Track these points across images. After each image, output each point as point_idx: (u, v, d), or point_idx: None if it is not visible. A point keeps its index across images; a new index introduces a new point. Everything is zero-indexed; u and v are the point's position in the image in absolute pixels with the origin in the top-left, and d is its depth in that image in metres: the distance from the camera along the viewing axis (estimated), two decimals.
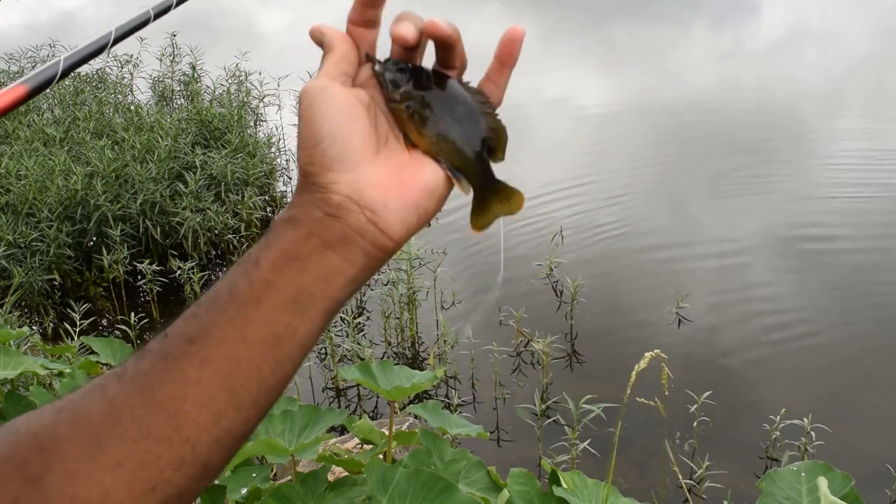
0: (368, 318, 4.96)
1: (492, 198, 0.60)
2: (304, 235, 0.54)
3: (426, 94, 0.57)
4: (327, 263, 0.54)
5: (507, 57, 0.59)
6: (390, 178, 0.56)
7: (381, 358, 4.40)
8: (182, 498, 0.51)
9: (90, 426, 0.50)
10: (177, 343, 0.52)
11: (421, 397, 4.04)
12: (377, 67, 0.58)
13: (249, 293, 0.52)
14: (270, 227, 0.56)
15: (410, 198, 0.56)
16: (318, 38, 0.60)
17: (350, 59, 0.58)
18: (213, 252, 5.85)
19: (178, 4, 0.92)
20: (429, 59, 0.61)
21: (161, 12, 0.93)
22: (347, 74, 0.58)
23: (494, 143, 0.59)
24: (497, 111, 0.59)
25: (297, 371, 0.55)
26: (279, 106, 7.48)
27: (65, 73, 0.76)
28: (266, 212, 6.27)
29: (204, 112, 6.69)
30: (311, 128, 0.55)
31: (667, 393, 1.83)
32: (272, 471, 2.94)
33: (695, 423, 3.73)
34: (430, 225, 6.02)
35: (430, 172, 0.57)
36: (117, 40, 0.84)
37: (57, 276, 5.30)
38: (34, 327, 4.96)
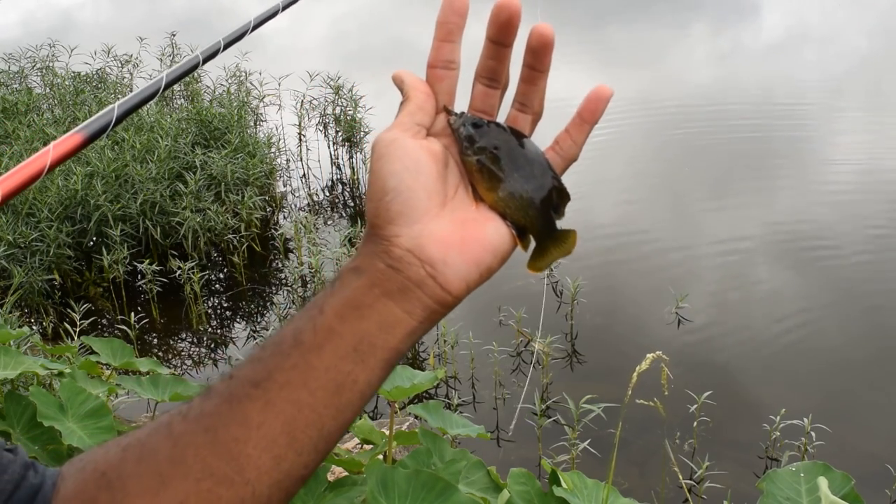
0: None
1: (550, 245, 0.61)
2: (367, 285, 0.55)
3: (498, 151, 0.58)
4: (388, 314, 0.55)
5: (590, 115, 0.60)
6: (453, 234, 0.56)
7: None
8: None
9: (155, 464, 0.51)
10: (241, 385, 0.53)
11: (421, 397, 4.04)
12: (452, 120, 0.59)
13: (313, 340, 0.54)
14: (337, 274, 0.57)
15: (472, 255, 0.56)
16: (398, 85, 0.60)
17: (426, 109, 0.59)
18: (213, 252, 5.85)
19: (225, 48, 0.94)
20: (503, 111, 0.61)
21: (209, 57, 0.95)
22: (421, 125, 0.58)
23: (558, 204, 0.60)
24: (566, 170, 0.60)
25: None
26: (279, 106, 7.49)
27: (119, 120, 0.77)
28: (266, 212, 6.27)
29: (204, 112, 6.69)
30: (378, 181, 0.56)
31: (667, 393, 1.84)
32: None
33: (695, 423, 3.73)
34: None
35: (493, 230, 0.58)
36: (169, 85, 0.85)
37: (57, 276, 5.30)
38: (34, 327, 4.96)
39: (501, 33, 0.57)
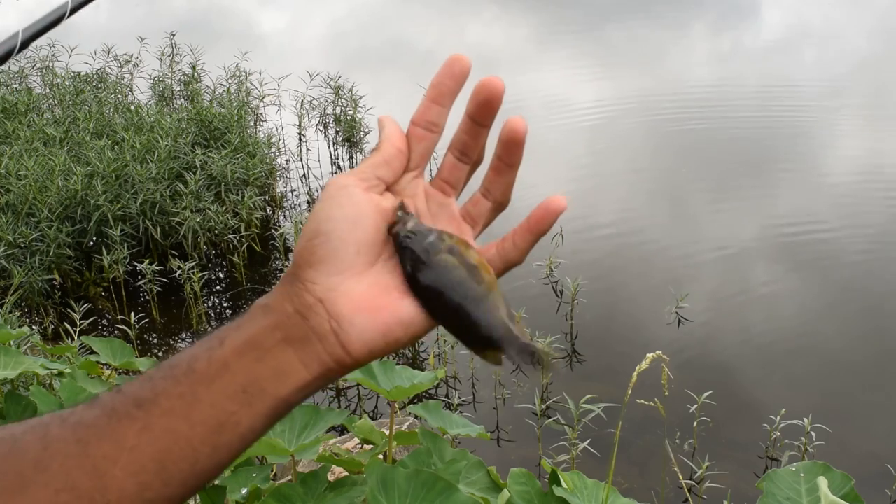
0: None
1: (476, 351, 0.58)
2: (271, 326, 0.53)
3: (434, 267, 0.55)
4: (285, 361, 0.53)
5: (538, 226, 0.57)
6: (369, 298, 0.54)
7: (382, 358, 4.40)
8: None
9: (21, 464, 0.49)
10: (125, 403, 0.51)
11: (421, 397, 4.04)
12: (398, 216, 0.56)
13: (206, 371, 0.52)
14: (249, 308, 0.55)
15: (380, 322, 0.54)
16: (380, 129, 0.58)
17: (392, 165, 0.57)
18: (213, 252, 5.86)
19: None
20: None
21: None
22: (382, 179, 0.57)
23: (502, 319, 0.56)
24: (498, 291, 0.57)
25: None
26: (279, 106, 7.49)
27: (24, 45, 0.76)
28: (266, 212, 6.28)
29: (204, 112, 6.68)
30: (314, 222, 0.55)
31: (667, 393, 1.84)
32: (272, 471, 2.94)
33: (695, 423, 3.73)
34: None
35: (411, 305, 0.55)
36: (74, 10, 0.84)
37: (57, 276, 5.30)
38: (34, 327, 4.96)
39: (479, 112, 0.56)
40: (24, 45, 0.78)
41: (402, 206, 0.57)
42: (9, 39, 0.78)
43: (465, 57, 0.56)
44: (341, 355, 0.54)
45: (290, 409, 0.54)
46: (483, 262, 0.56)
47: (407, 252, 0.55)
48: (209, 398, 0.51)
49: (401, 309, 0.55)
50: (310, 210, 5.71)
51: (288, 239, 5.85)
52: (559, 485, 1.57)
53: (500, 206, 0.59)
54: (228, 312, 5.42)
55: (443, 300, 0.55)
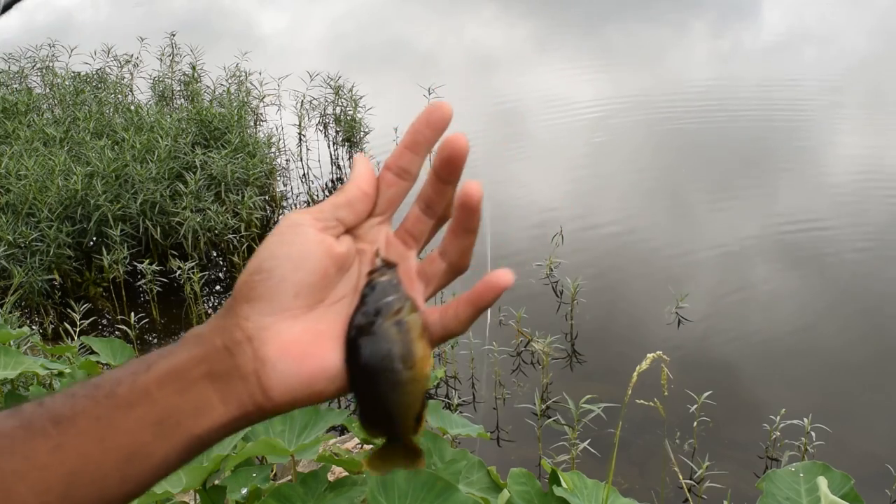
0: None
1: (391, 452, 0.56)
2: (197, 359, 0.51)
3: (373, 335, 0.52)
4: (204, 396, 0.51)
5: (479, 299, 0.54)
6: (299, 343, 0.52)
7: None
8: None
9: None
10: (43, 418, 0.50)
11: None
12: (372, 273, 0.55)
13: (127, 397, 0.50)
14: (183, 335, 0.53)
15: (305, 370, 0.52)
16: (351, 169, 0.57)
17: (355, 207, 0.55)
18: (213, 252, 5.86)
19: None
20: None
21: None
22: (341, 221, 0.54)
23: (405, 413, 0.54)
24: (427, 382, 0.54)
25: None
26: (279, 106, 7.49)
27: (6, 8, 0.73)
28: (266, 212, 6.28)
29: (204, 112, 6.69)
30: (259, 257, 0.53)
31: (666, 393, 1.84)
32: (272, 471, 2.94)
33: (695, 423, 3.73)
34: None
35: (338, 358, 0.53)
36: None
37: (57, 276, 5.30)
38: (34, 327, 4.96)
39: (443, 169, 0.54)
40: (6, 7, 0.75)
41: (382, 258, 0.55)
42: None
43: (445, 104, 0.54)
44: (261, 399, 0.51)
45: (205, 447, 0.52)
46: (426, 355, 0.53)
47: (361, 303, 0.53)
48: (125, 425, 0.50)
49: (328, 360, 0.52)
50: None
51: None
52: (559, 485, 1.57)
53: (455, 269, 0.56)
54: None
55: (361, 365, 0.52)
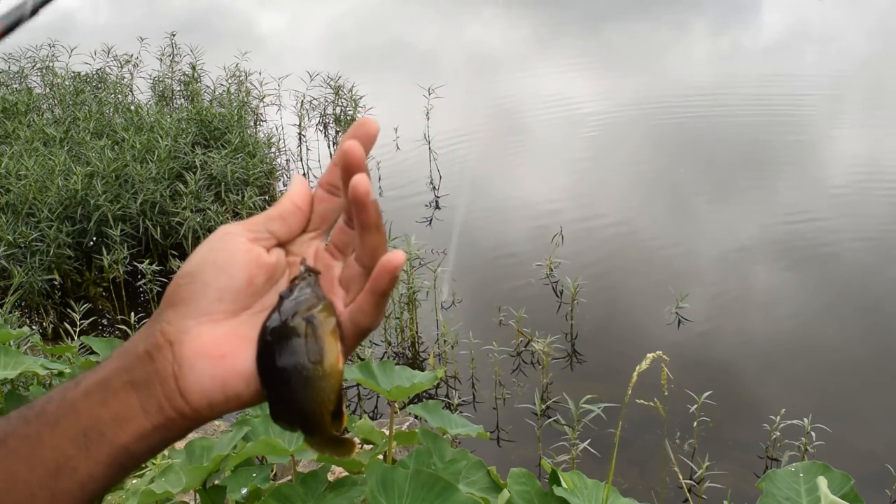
0: None
1: (318, 442, 0.56)
2: (121, 367, 0.52)
3: (281, 332, 0.53)
4: (126, 405, 0.51)
5: (377, 285, 0.53)
6: (218, 346, 0.52)
7: (382, 358, 4.40)
8: None
9: None
10: None
11: (421, 397, 4.04)
12: (294, 279, 0.56)
13: (55, 412, 0.50)
14: (121, 345, 0.54)
15: (222, 374, 0.52)
16: (289, 186, 0.58)
17: (287, 221, 0.56)
18: None
19: None
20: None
21: None
22: (273, 234, 0.55)
23: (316, 410, 0.54)
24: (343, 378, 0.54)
25: None
26: (279, 106, 7.49)
27: (34, 11, 0.76)
28: None
29: (204, 112, 6.69)
30: (188, 262, 0.54)
31: (666, 393, 1.84)
32: (272, 471, 2.94)
33: (695, 423, 3.73)
34: (430, 225, 6.02)
35: (252, 359, 0.53)
36: None
37: (57, 276, 5.30)
38: (34, 327, 4.96)
39: (344, 177, 0.54)
40: (35, 11, 0.78)
41: (305, 265, 0.56)
42: (17, 8, 0.78)
43: (371, 120, 0.55)
44: (180, 403, 0.51)
45: (133, 460, 0.51)
46: (337, 354, 0.53)
47: (276, 306, 0.54)
48: (51, 441, 0.50)
49: (243, 361, 0.52)
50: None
51: None
52: (559, 485, 1.57)
53: (368, 269, 0.54)
54: None
55: (272, 362, 0.53)
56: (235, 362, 0.52)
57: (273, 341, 0.53)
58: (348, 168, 0.53)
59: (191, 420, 0.52)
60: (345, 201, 0.55)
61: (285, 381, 0.52)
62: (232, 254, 0.53)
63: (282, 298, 0.54)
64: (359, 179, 0.52)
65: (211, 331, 0.52)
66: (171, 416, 0.52)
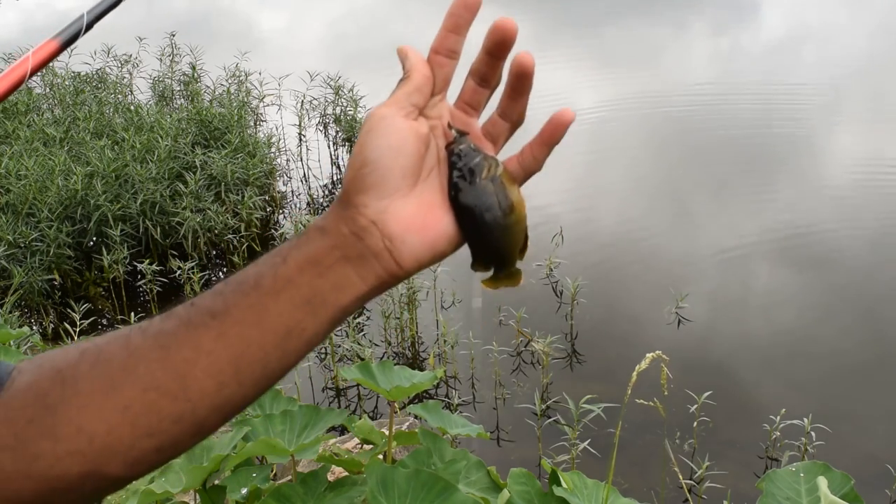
0: (368, 318, 4.96)
1: (502, 277, 0.67)
2: (329, 246, 0.58)
3: (476, 194, 0.62)
4: (343, 276, 0.58)
5: (550, 138, 0.64)
6: (416, 216, 0.60)
7: (381, 358, 4.40)
8: (176, 448, 0.57)
9: (109, 369, 0.55)
10: (200, 314, 0.57)
11: (421, 397, 4.05)
12: (453, 135, 0.63)
13: (272, 286, 0.57)
14: (305, 229, 0.61)
15: (428, 238, 0.60)
16: (402, 59, 0.63)
17: (423, 91, 0.62)
18: (213, 252, 5.86)
19: None
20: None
21: None
22: (416, 105, 0.61)
23: (513, 250, 0.65)
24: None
25: (297, 368, 0.59)
26: (279, 106, 7.49)
27: (89, 26, 0.81)
28: (266, 212, 6.27)
29: (204, 112, 6.69)
30: (361, 152, 0.59)
31: (666, 393, 1.84)
32: (272, 471, 2.94)
33: (695, 424, 3.73)
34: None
35: (452, 222, 0.62)
36: None
37: (57, 276, 5.30)
38: (34, 327, 4.96)
39: (495, 49, 0.61)
40: (90, 25, 0.82)
41: (456, 129, 0.63)
42: (75, 22, 0.83)
43: None
44: (394, 268, 0.59)
45: (348, 315, 0.60)
46: (521, 200, 0.63)
47: (454, 171, 0.62)
48: (276, 309, 0.57)
49: (445, 225, 0.61)
50: (310, 209, 5.69)
51: (288, 239, 5.85)
52: (559, 485, 1.57)
53: (516, 125, 0.66)
54: None
55: (473, 221, 0.61)
56: (437, 228, 0.61)
57: (469, 203, 0.61)
58: (503, 41, 0.60)
59: (402, 277, 0.61)
60: (484, 67, 0.62)
61: (489, 235, 0.62)
62: (400, 134, 0.60)
63: (454, 164, 0.62)
64: (527, 56, 0.61)
65: (404, 206, 0.60)
66: (384, 279, 0.60)
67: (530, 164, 0.65)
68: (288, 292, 0.57)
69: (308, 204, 6.71)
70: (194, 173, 5.79)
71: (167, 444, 0.56)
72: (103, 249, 5.33)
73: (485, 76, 0.63)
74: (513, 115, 0.65)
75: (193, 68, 7.85)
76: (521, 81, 0.62)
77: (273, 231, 6.10)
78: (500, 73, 0.63)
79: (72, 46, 0.82)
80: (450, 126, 0.63)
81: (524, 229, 0.64)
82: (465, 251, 0.65)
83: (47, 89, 7.68)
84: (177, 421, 0.55)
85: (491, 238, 0.62)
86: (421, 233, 0.60)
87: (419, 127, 0.61)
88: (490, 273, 0.67)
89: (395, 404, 1.85)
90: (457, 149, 0.62)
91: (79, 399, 0.54)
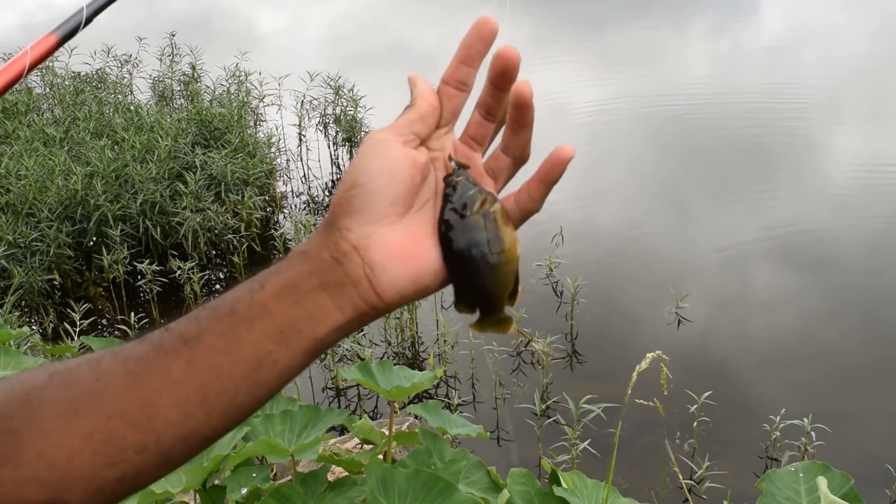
0: None
1: (488, 322, 0.63)
2: (308, 272, 0.56)
3: (464, 228, 0.59)
4: (320, 305, 0.56)
5: (548, 176, 0.61)
6: (401, 246, 0.58)
7: (381, 358, 4.40)
8: (138, 479, 0.54)
9: (75, 393, 0.53)
10: (172, 339, 0.55)
11: (421, 397, 4.04)
12: (452, 167, 0.61)
13: (247, 313, 0.55)
14: (288, 254, 0.59)
15: (411, 270, 0.58)
16: (411, 87, 0.62)
17: (427, 121, 0.60)
18: (213, 252, 5.85)
19: None
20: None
21: None
22: (417, 135, 0.60)
23: (500, 292, 0.61)
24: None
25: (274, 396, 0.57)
26: (279, 106, 7.49)
27: (88, 20, 0.79)
28: (266, 212, 6.27)
29: (204, 112, 6.69)
30: (352, 173, 0.58)
31: (666, 393, 1.84)
32: (272, 471, 2.94)
33: (695, 423, 3.73)
34: None
35: (438, 255, 0.59)
36: None
37: (57, 276, 5.30)
38: (34, 327, 4.96)
39: (498, 80, 0.60)
40: (89, 20, 0.81)
41: (455, 162, 0.62)
42: (74, 16, 0.81)
43: (492, 19, 0.59)
44: (374, 300, 0.57)
45: (324, 348, 0.57)
46: (513, 241, 0.60)
47: (446, 203, 0.60)
48: (249, 337, 0.55)
49: (430, 258, 0.59)
50: (310, 209, 5.69)
51: (288, 239, 5.85)
52: (559, 485, 1.57)
53: (519, 161, 0.63)
54: None
55: (460, 256, 0.59)
56: (422, 260, 0.58)
57: (457, 238, 0.59)
58: (505, 72, 0.59)
59: (381, 311, 0.58)
60: (489, 99, 0.61)
61: (474, 272, 0.59)
62: (394, 160, 0.58)
63: (448, 196, 0.60)
64: (523, 85, 0.58)
65: (390, 233, 0.58)
66: (364, 311, 0.57)
67: (527, 205, 0.62)
68: (262, 320, 0.55)
69: (308, 204, 6.71)
70: (194, 173, 5.79)
71: (130, 474, 0.53)
72: (103, 249, 5.33)
73: (490, 108, 0.62)
74: (515, 149, 0.62)
75: (193, 68, 7.85)
76: (521, 112, 0.60)
77: (273, 231, 6.10)
78: (506, 104, 0.61)
79: (71, 42, 0.81)
80: (450, 158, 0.62)
81: (514, 272, 0.60)
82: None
83: (47, 89, 7.68)
84: (140, 451, 0.53)
85: (476, 276, 0.59)
86: (404, 263, 0.57)
87: (417, 156, 0.59)
88: (476, 316, 0.63)
89: (395, 404, 1.85)
90: (453, 181, 0.60)
91: (42, 423, 0.52)
